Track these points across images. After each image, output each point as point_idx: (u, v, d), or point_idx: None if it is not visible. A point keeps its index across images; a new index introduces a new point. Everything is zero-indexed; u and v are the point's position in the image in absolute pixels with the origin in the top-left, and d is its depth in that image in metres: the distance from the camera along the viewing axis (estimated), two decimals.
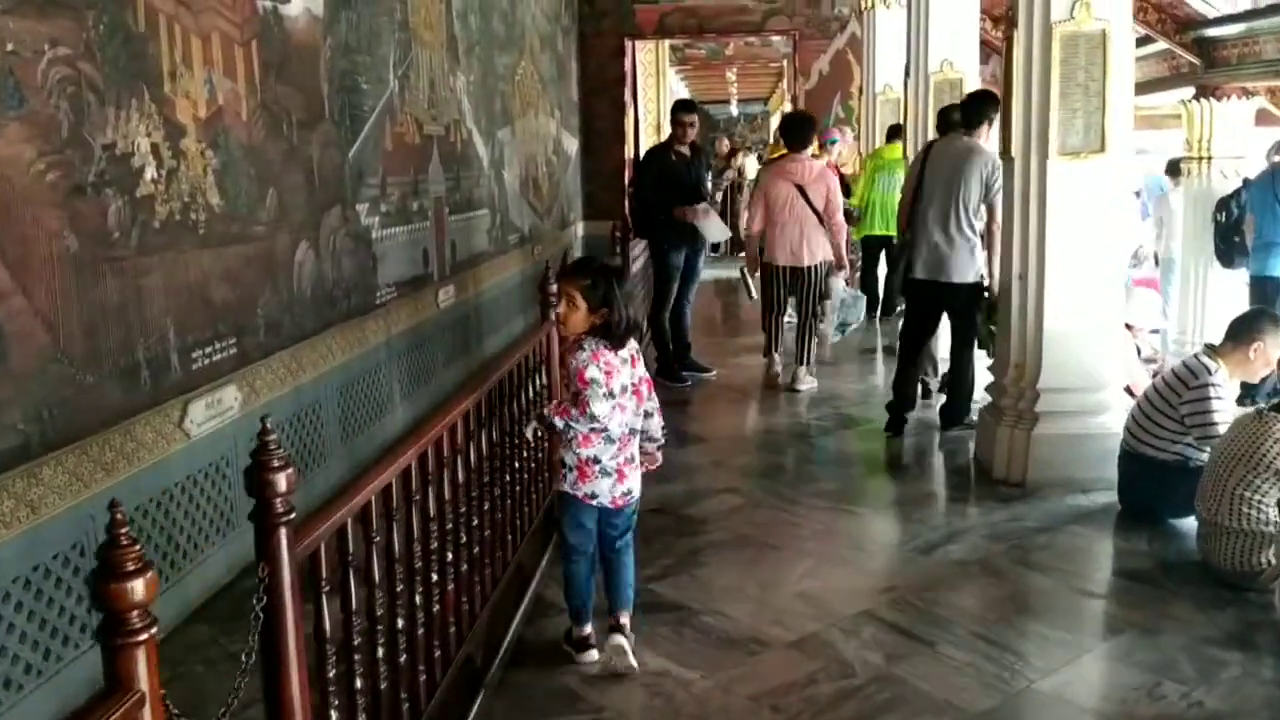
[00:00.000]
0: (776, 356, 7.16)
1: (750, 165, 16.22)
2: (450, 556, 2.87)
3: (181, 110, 3.65)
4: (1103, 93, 4.66)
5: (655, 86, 15.88)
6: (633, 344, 3.19)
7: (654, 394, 3.29)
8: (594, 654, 3.27)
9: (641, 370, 3.22)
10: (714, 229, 7.11)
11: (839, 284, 7.28)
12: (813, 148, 7.33)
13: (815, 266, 6.80)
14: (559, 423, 3.08)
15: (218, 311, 3.90)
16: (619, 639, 3.22)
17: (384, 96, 5.72)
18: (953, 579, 3.86)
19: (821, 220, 6.75)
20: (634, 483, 3.22)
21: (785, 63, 15.49)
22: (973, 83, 7.67)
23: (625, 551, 3.29)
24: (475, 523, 3.14)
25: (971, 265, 5.58)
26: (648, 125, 15.02)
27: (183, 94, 3.66)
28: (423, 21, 6.40)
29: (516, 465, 3.66)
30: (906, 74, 7.96)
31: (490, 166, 8.03)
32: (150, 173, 3.45)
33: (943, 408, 5.85)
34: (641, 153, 13.08)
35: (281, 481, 1.72)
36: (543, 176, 10.06)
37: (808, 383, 6.91)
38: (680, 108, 7.31)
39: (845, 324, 7.60)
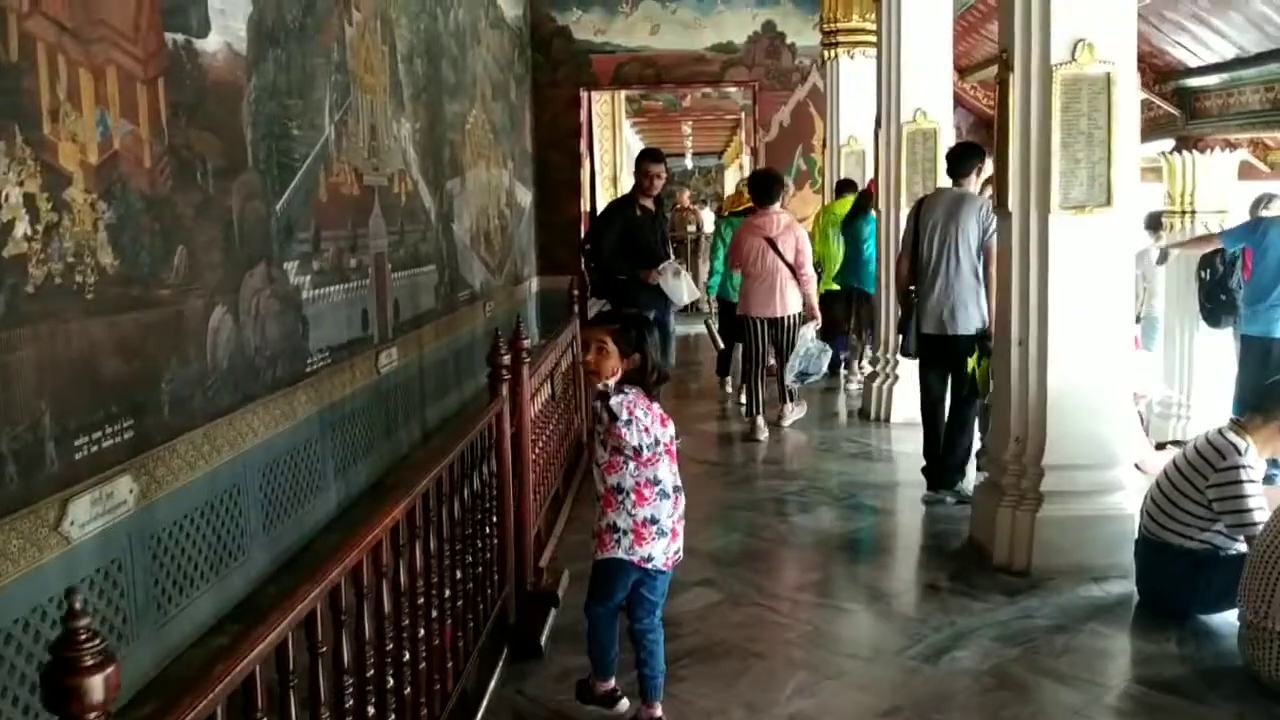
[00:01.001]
0: (760, 420, 7.02)
1: (707, 218, 15.85)
2: (389, 683, 2.35)
3: (66, 155, 3.10)
4: (1108, 142, 4.25)
5: (611, 138, 15.54)
6: (659, 407, 3.08)
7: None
8: (626, 702, 3.16)
9: (672, 430, 3.09)
10: (684, 291, 6.60)
11: (808, 333, 7.07)
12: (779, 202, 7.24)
13: (790, 316, 6.95)
14: (624, 479, 2.98)
15: (109, 389, 3.32)
16: None
17: (318, 144, 5.20)
18: (966, 695, 3.34)
19: (793, 271, 6.90)
20: (681, 543, 3.13)
21: (743, 115, 15.20)
22: (947, 132, 7.33)
23: (659, 630, 3.13)
24: (409, 651, 2.58)
25: (978, 315, 5.34)
26: (604, 178, 14.63)
27: (68, 136, 3.11)
28: (363, 64, 5.92)
29: (459, 573, 3.11)
30: (877, 124, 7.59)
31: (438, 219, 7.52)
32: (22, 228, 2.90)
33: (932, 467, 5.40)
34: (599, 205, 12.76)
35: (96, 688, 1.16)
36: (495, 230, 9.57)
37: (796, 413, 7.29)
38: (647, 157, 6.79)
39: (806, 374, 7.20)
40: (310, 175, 5.08)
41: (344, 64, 5.60)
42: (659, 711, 3.13)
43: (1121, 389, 4.50)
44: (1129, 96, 4.32)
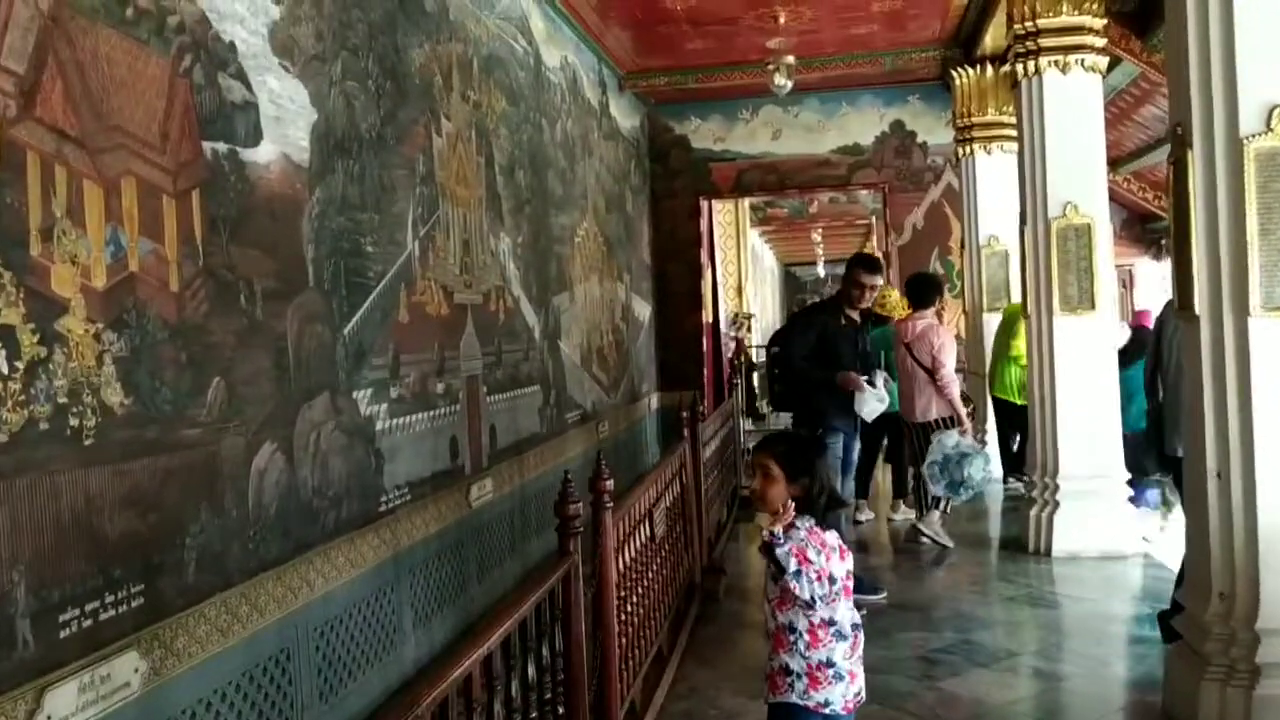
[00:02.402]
0: (902, 503, 7.76)
1: None
2: None
3: (60, 280, 2.68)
4: None
5: (736, 247, 15.06)
6: (834, 536, 2.80)
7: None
8: None
9: (850, 564, 2.84)
10: (872, 403, 5.87)
11: (948, 439, 6.73)
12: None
13: (927, 424, 6.97)
14: (797, 618, 2.75)
15: (112, 551, 2.83)
16: None
17: (399, 261, 4.79)
18: None
19: (932, 376, 6.91)
20: (862, 683, 2.85)
21: (874, 219, 14.56)
22: (1103, 227, 6.55)
23: None
24: None
25: None
26: (728, 288, 14.12)
27: (64, 258, 2.70)
28: (454, 176, 5.54)
29: None
30: (1023, 222, 6.86)
31: (543, 337, 7.06)
32: None
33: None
34: (723, 317, 12.23)
35: None
36: (609, 346, 9.08)
37: (928, 525, 7.02)
38: (862, 265, 6.09)
39: (956, 483, 6.68)
40: (388, 295, 4.65)
41: (431, 176, 5.22)
42: None
43: None
44: None
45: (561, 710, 2.87)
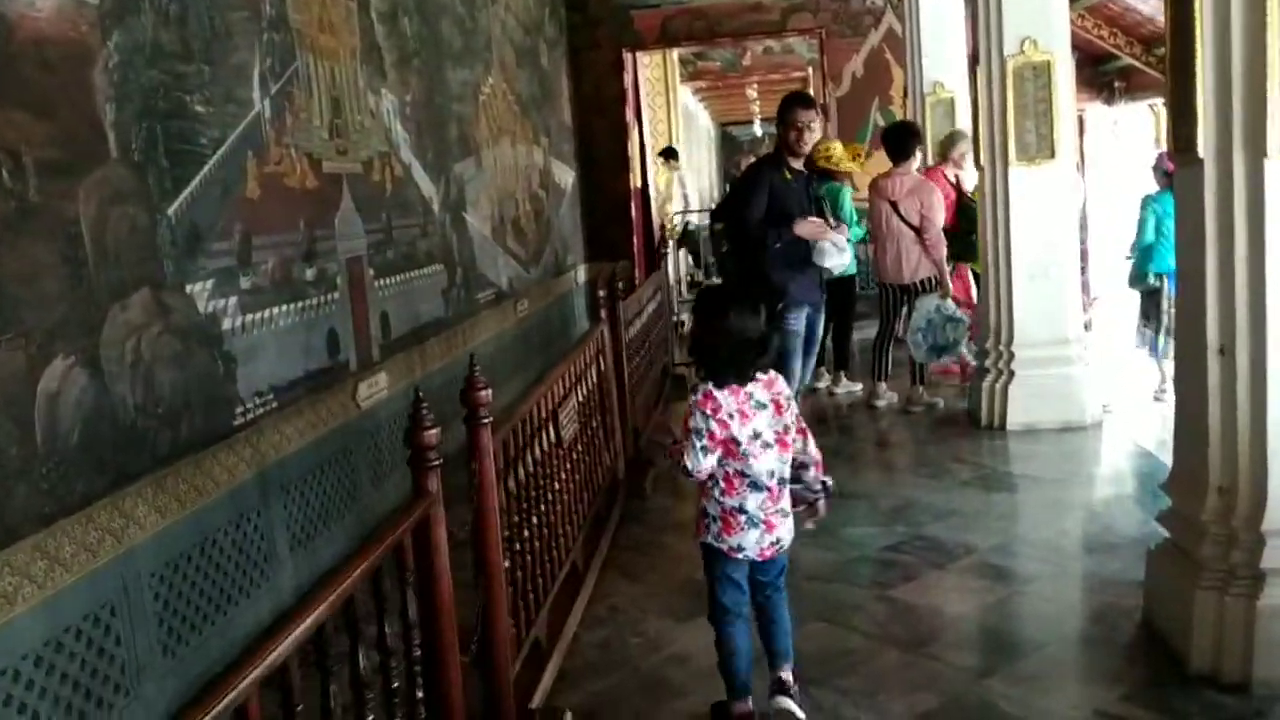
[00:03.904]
0: (882, 386, 6.88)
1: None
2: None
3: None
4: None
5: (665, 105, 14.13)
6: (781, 387, 2.90)
7: (810, 444, 2.99)
8: None
9: (789, 419, 2.88)
10: (833, 254, 5.18)
11: (928, 303, 6.46)
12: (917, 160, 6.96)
13: (916, 284, 6.64)
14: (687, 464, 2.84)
15: None
16: (785, 701, 2.94)
17: (242, 124, 3.97)
18: None
19: (919, 235, 6.55)
20: (784, 533, 2.92)
21: (811, 70, 13.68)
22: (1064, 64, 5.86)
23: (779, 597, 3.01)
24: None
25: None
26: (658, 149, 13.25)
27: None
28: (316, 22, 4.66)
29: None
30: (974, 62, 6.14)
31: (444, 209, 6.27)
32: None
33: None
34: (651, 181, 11.39)
35: None
36: (526, 216, 8.29)
37: (923, 403, 6.69)
38: (797, 102, 5.26)
39: (939, 348, 6.50)
40: (230, 165, 3.85)
41: (282, 20, 4.36)
42: (786, 674, 2.99)
43: None
44: None
45: (421, 692, 2.25)
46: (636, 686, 3.30)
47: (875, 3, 10.59)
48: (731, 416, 2.79)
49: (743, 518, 2.84)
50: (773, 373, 2.90)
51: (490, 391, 2.70)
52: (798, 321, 5.28)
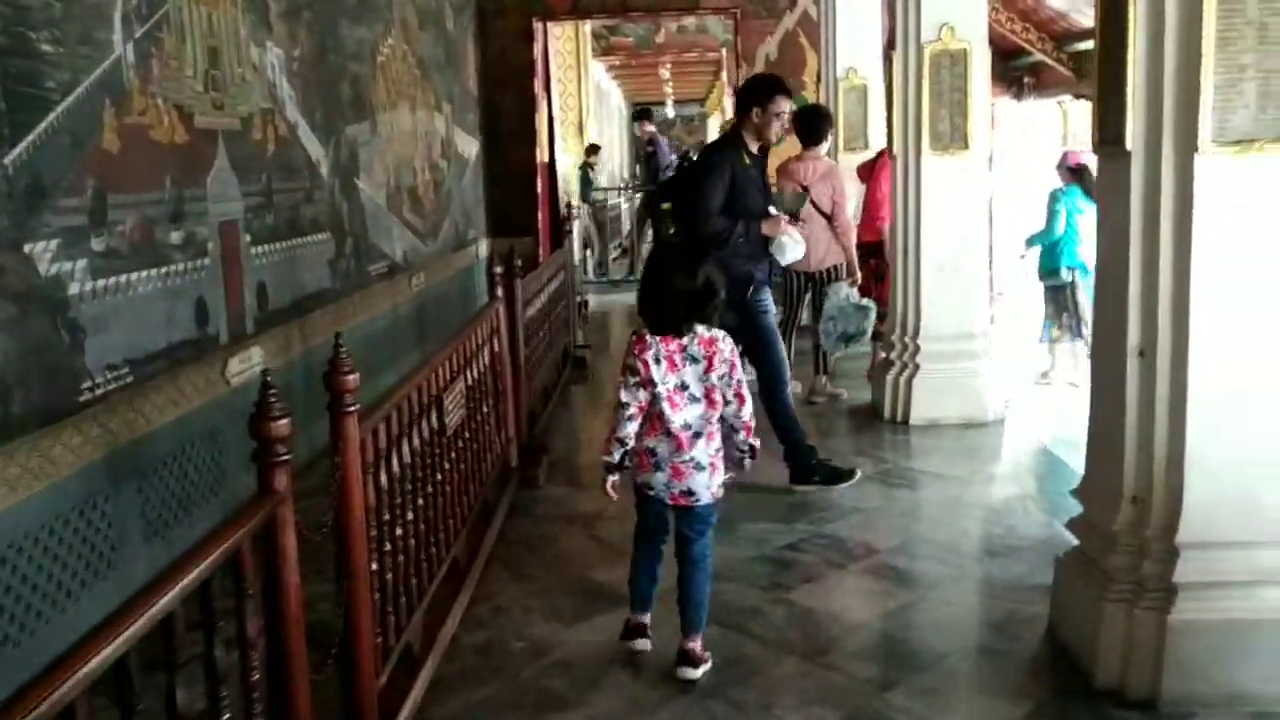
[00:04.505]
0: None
1: None
2: None
3: None
4: None
5: (576, 79, 13.80)
6: (724, 348, 3.03)
7: (745, 410, 3.09)
8: (644, 643, 3.22)
9: (716, 378, 3.01)
10: (792, 248, 4.94)
11: (839, 291, 6.28)
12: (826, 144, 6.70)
13: (825, 271, 6.45)
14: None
15: None
16: (685, 671, 3.06)
17: (100, 68, 3.58)
18: None
19: (830, 221, 6.34)
20: (696, 485, 3.06)
21: (724, 51, 13.49)
22: (981, 53, 5.75)
23: (696, 566, 3.14)
24: None
25: None
26: (568, 124, 12.94)
27: None
28: None
29: None
30: (890, 47, 6.00)
31: (334, 174, 5.90)
32: None
33: None
34: (560, 156, 11.05)
35: None
36: (425, 186, 7.93)
37: (827, 393, 6.54)
38: (780, 89, 4.82)
39: (848, 336, 6.32)
40: (82, 113, 3.46)
41: None
42: (691, 645, 3.10)
43: None
44: None
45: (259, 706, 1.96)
46: (516, 697, 3.05)
47: None
48: (658, 362, 2.99)
49: (651, 460, 3.05)
50: (719, 333, 3.05)
51: (357, 376, 2.40)
52: (769, 300, 4.99)
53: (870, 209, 7.22)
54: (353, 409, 2.39)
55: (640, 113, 13.53)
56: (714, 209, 4.65)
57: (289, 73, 5.29)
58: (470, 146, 9.70)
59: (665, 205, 4.85)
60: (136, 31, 3.83)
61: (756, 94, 4.79)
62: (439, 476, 3.35)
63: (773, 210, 4.91)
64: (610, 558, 4.00)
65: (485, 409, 4.27)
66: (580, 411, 6.83)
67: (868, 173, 7.37)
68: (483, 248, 9.90)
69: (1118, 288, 2.96)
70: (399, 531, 2.83)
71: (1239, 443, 2.82)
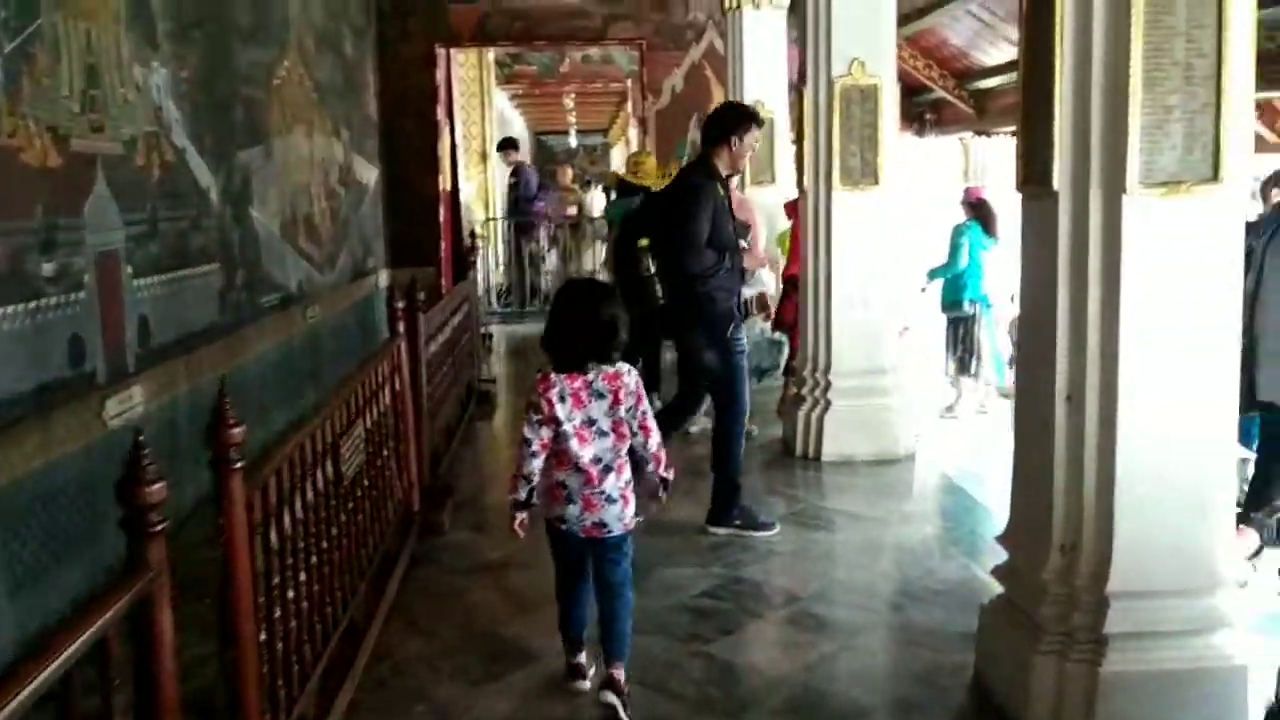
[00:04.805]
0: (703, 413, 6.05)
1: (597, 200, 14.11)
2: None
3: None
4: (1217, 78, 2.65)
5: (480, 107, 13.60)
6: (629, 381, 3.05)
7: (652, 442, 3.11)
8: (583, 683, 3.20)
9: (624, 411, 3.04)
10: (767, 279, 4.99)
11: (753, 325, 6.15)
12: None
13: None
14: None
15: None
16: (608, 696, 3.04)
17: None
18: None
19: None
20: (608, 517, 3.06)
21: (630, 83, 13.45)
22: (890, 89, 5.74)
23: (615, 594, 3.13)
24: None
25: None
26: (471, 152, 12.73)
27: None
28: None
29: None
30: (801, 80, 5.95)
31: (225, 201, 5.60)
32: None
33: None
34: (463, 184, 10.80)
35: None
36: (322, 214, 7.63)
37: (700, 423, 6.06)
38: (755, 119, 4.75)
39: (761, 370, 6.28)
40: None
41: None
42: (616, 672, 3.08)
43: (1228, 464, 2.91)
44: None
45: None
46: None
47: (697, 18, 10.43)
48: (563, 399, 2.99)
49: (563, 492, 3.05)
50: (624, 366, 3.06)
51: (243, 429, 2.18)
52: (745, 339, 4.83)
53: (797, 243, 7.17)
54: (238, 465, 2.16)
55: (504, 142, 13.31)
56: (703, 243, 4.48)
57: (176, 94, 5.00)
58: (370, 173, 9.42)
59: (643, 241, 4.62)
60: (5, 47, 3.53)
61: (736, 122, 4.66)
62: (335, 530, 3.11)
63: (743, 244, 4.83)
64: (520, 610, 3.80)
65: (385, 452, 4.04)
66: (486, 449, 6.60)
67: (794, 210, 7.34)
68: (383, 278, 9.60)
69: (1044, 331, 2.90)
70: (290, 594, 2.59)
71: (1169, 488, 2.77)
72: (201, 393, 4.93)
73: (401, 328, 4.44)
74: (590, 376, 3.01)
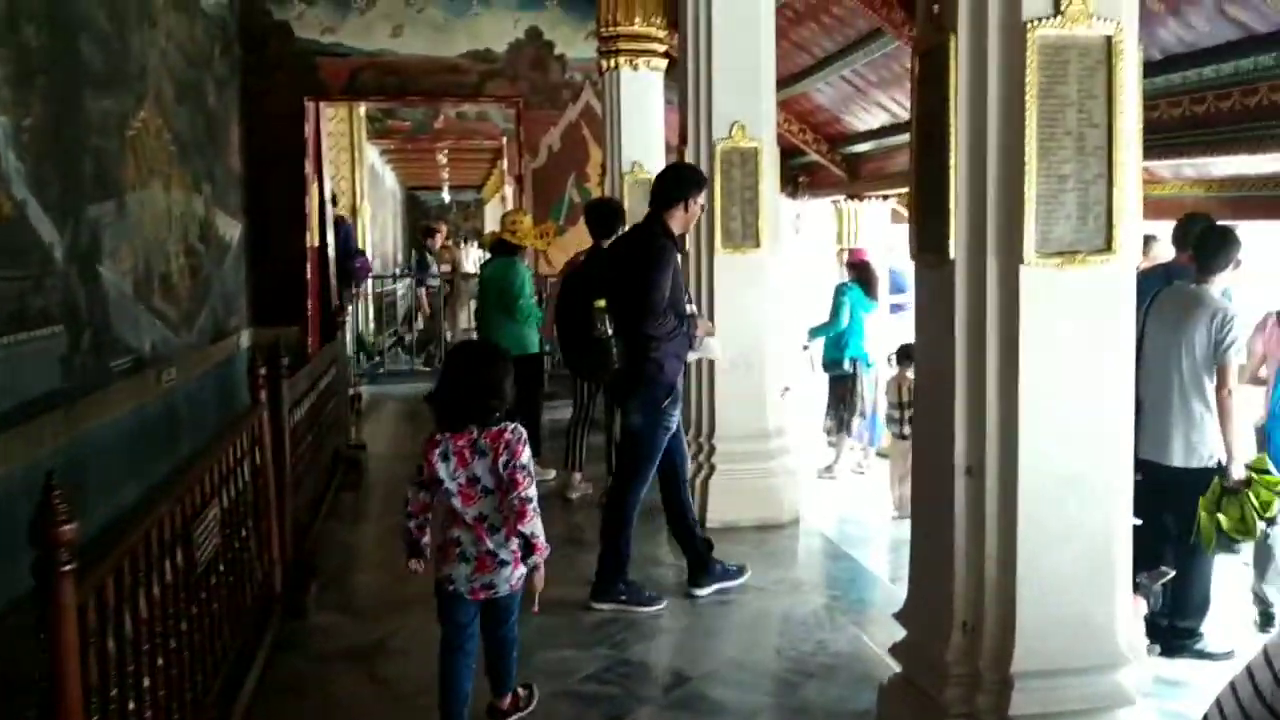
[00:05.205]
0: (576, 477, 6.40)
1: (473, 256, 13.86)
2: None
3: None
4: (1109, 147, 2.64)
5: (350, 162, 13.27)
6: (510, 438, 3.06)
7: (526, 524, 3.03)
8: None
9: (503, 469, 3.03)
10: (715, 347, 4.93)
11: None
12: None
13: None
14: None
15: None
16: None
17: None
18: None
19: None
20: (497, 579, 3.09)
21: (505, 140, 13.32)
22: (771, 152, 5.73)
23: (502, 642, 3.21)
24: None
25: (1204, 444, 4.56)
26: (340, 208, 12.36)
27: None
28: None
29: None
30: (682, 142, 5.90)
31: (70, 259, 5.21)
32: None
33: None
34: (330, 242, 10.40)
35: None
36: (180, 272, 7.23)
37: (581, 489, 6.33)
38: (703, 181, 4.76)
39: None
40: None
41: None
42: (503, 702, 3.27)
43: (1127, 535, 2.87)
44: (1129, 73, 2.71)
45: None
46: None
47: (574, 77, 10.40)
48: (446, 458, 3.04)
49: (456, 549, 3.08)
50: (510, 426, 3.08)
51: (74, 526, 1.90)
52: (676, 420, 4.62)
53: None
54: (69, 567, 1.88)
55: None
56: (664, 306, 4.35)
57: (18, 144, 4.64)
58: (234, 229, 9.02)
59: (600, 302, 4.43)
60: None
61: (691, 185, 4.60)
62: (185, 626, 2.81)
63: (690, 308, 4.69)
64: (393, 703, 3.52)
65: (244, 532, 3.73)
66: (355, 520, 6.25)
67: None
68: (245, 338, 9.17)
69: (941, 402, 2.83)
70: (132, 705, 2.29)
71: (1071, 560, 2.72)
72: (41, 467, 4.51)
73: (263, 395, 4.14)
74: (474, 435, 3.04)
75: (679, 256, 4.59)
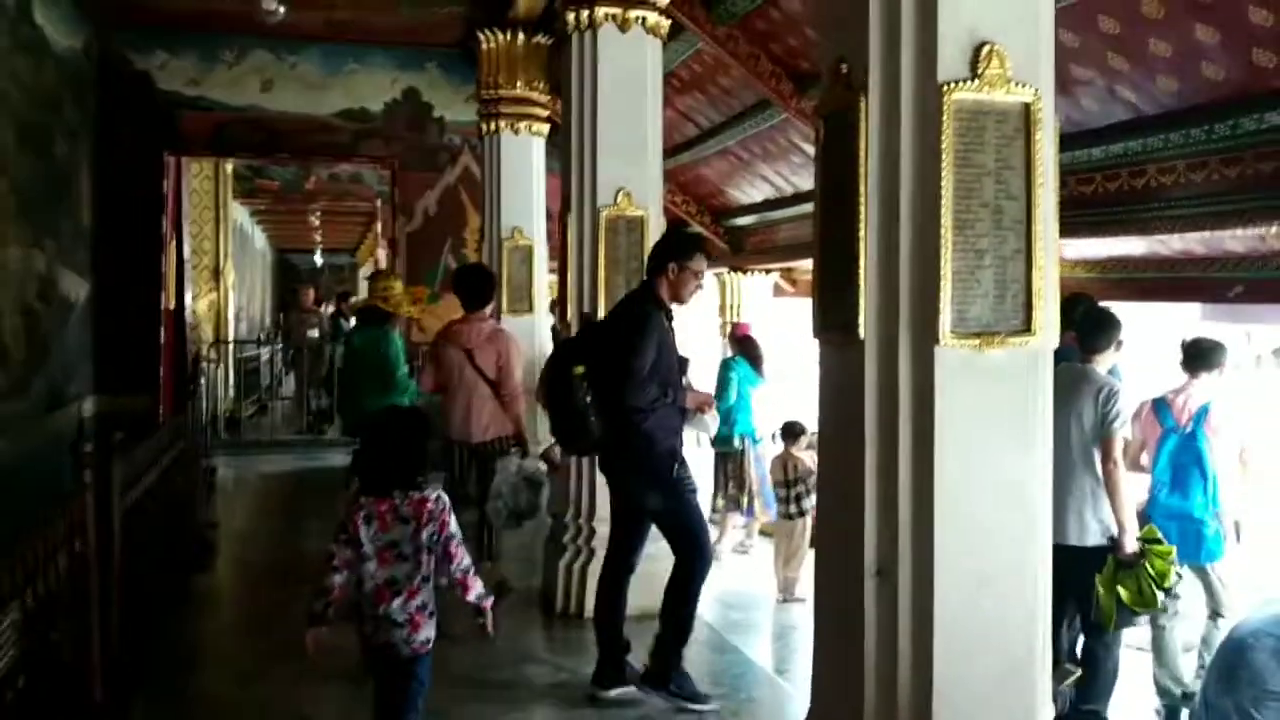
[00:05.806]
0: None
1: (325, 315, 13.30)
2: None
3: None
4: (1028, 218, 2.46)
5: (215, 221, 12.65)
6: (433, 506, 3.10)
7: (455, 564, 3.12)
8: None
9: (425, 537, 3.08)
10: (711, 424, 4.85)
11: (509, 465, 5.56)
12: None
13: (488, 443, 5.62)
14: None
15: None
16: None
17: None
18: None
19: (494, 389, 5.61)
20: (396, 639, 3.08)
21: (380, 203, 12.94)
22: (657, 220, 5.53)
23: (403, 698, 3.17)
24: None
25: (1096, 520, 4.43)
26: (201, 268, 11.75)
27: None
28: None
29: None
30: (565, 209, 5.65)
31: None
32: None
33: None
34: (188, 303, 9.78)
35: None
36: (13, 333, 6.61)
37: (495, 581, 5.29)
38: (701, 247, 4.43)
39: (519, 513, 5.60)
40: None
41: None
42: None
43: (1046, 633, 2.64)
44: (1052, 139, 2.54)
45: None
46: None
47: (453, 140, 10.13)
48: (368, 522, 3.07)
49: (361, 610, 3.10)
50: (432, 493, 3.12)
51: None
52: (693, 480, 4.36)
53: None
54: None
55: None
56: (645, 376, 4.05)
57: None
58: (79, 288, 8.37)
59: (579, 369, 4.08)
60: None
61: (674, 250, 4.31)
62: None
63: (686, 380, 4.37)
64: None
65: (55, 636, 3.22)
66: (204, 611, 5.68)
67: None
68: (88, 406, 8.48)
69: (850, 495, 2.57)
70: None
71: (989, 664, 2.48)
72: None
73: (87, 476, 3.65)
74: (396, 501, 3.08)
75: (666, 324, 4.26)
